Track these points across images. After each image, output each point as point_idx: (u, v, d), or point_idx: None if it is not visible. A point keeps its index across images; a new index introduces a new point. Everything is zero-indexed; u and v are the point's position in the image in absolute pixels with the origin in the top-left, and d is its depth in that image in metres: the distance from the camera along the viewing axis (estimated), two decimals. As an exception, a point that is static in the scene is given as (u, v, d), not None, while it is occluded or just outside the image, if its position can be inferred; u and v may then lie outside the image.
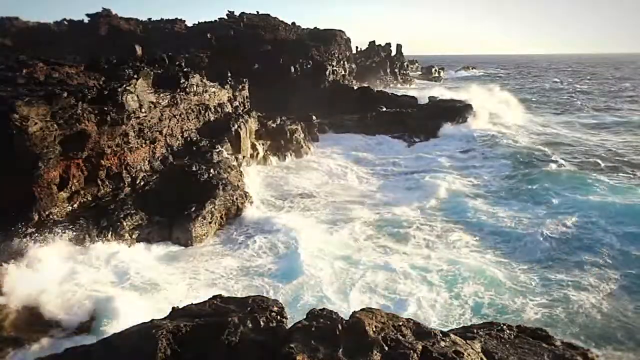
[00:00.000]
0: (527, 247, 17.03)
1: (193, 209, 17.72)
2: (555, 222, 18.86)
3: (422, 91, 62.48)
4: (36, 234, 14.26)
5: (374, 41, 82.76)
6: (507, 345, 6.31)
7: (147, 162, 19.66)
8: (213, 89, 28.11)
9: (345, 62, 59.72)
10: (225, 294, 7.33)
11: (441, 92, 58.57)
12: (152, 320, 6.16)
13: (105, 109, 17.31)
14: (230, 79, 32.97)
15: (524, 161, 29.41)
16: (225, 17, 55.96)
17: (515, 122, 44.47)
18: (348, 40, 63.49)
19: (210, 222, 18.06)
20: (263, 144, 30.10)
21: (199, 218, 17.55)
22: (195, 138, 24.13)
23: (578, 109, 57.90)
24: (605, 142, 36.62)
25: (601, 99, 68.92)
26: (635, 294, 13.77)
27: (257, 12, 58.56)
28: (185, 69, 26.22)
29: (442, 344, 5.58)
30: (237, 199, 19.98)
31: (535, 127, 43.78)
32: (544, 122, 47.29)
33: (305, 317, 6.06)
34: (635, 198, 21.30)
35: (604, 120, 48.14)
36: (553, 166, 27.42)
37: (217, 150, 23.27)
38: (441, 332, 5.93)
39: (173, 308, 6.77)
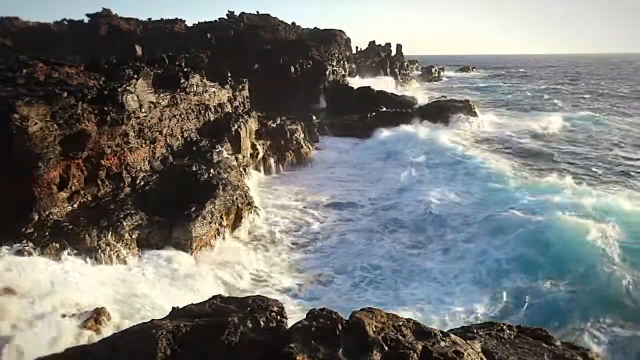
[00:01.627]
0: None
1: (193, 209, 17.70)
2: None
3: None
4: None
5: (374, 41, 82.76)
6: (507, 345, 6.31)
7: (147, 162, 19.66)
8: (213, 89, 28.11)
9: (345, 62, 59.78)
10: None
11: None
12: (152, 320, 6.16)
13: (105, 109, 17.30)
14: (230, 79, 32.99)
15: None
16: (225, 17, 56.04)
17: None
18: (348, 40, 63.54)
19: (210, 222, 18.05)
20: (263, 144, 30.11)
21: (199, 218, 17.54)
22: (195, 138, 24.13)
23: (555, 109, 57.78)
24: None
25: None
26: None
27: (257, 12, 58.69)
28: (185, 69, 26.22)
29: (442, 344, 5.58)
30: (237, 199, 19.98)
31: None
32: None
33: (305, 317, 6.06)
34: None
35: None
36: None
37: (217, 150, 23.28)
38: (441, 332, 5.93)
39: (173, 308, 6.77)
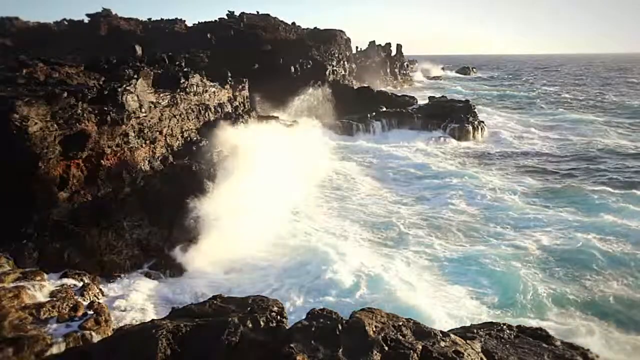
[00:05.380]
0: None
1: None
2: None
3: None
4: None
5: (374, 41, 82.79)
6: (507, 345, 6.31)
7: (147, 162, 19.64)
8: (213, 89, 28.10)
9: (345, 62, 59.73)
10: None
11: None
12: (153, 320, 6.16)
13: (105, 109, 17.30)
14: (230, 79, 32.96)
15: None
16: (225, 17, 55.97)
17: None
18: (348, 40, 63.50)
19: (210, 222, 18.03)
20: (263, 144, 30.08)
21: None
22: (195, 138, 24.12)
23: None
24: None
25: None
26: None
27: (257, 12, 58.63)
28: (185, 69, 26.22)
29: (442, 344, 5.58)
30: (237, 199, 19.97)
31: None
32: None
33: (305, 317, 6.06)
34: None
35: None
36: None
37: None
38: (441, 332, 5.94)
39: (173, 308, 6.78)
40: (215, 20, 55.35)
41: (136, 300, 13.92)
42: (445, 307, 13.56)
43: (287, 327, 6.04)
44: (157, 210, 17.65)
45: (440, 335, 5.79)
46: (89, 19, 52.63)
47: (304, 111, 42.04)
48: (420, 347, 5.40)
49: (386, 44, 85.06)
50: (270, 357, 5.35)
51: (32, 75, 18.73)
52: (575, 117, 51.36)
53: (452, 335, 5.89)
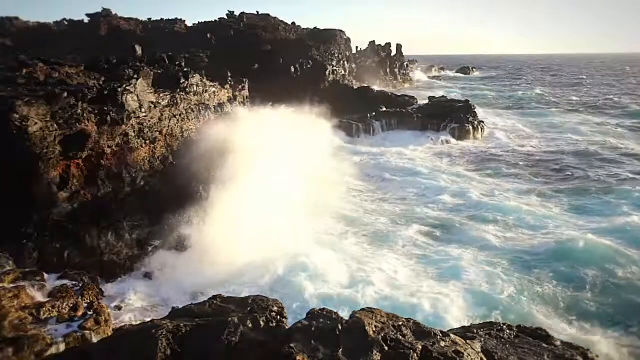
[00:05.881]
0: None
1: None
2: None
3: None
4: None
5: (374, 41, 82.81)
6: (507, 345, 6.31)
7: (147, 162, 19.65)
8: (213, 89, 28.08)
9: (345, 62, 59.74)
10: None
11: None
12: (153, 320, 6.17)
13: (105, 109, 17.30)
14: (230, 79, 32.94)
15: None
16: (225, 17, 55.98)
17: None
18: (348, 40, 63.53)
19: (210, 222, 18.04)
20: (263, 144, 30.07)
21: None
22: (195, 138, 24.08)
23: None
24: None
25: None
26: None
27: (257, 12, 58.66)
28: (185, 69, 26.21)
29: (442, 344, 5.59)
30: (237, 199, 19.96)
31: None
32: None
33: (305, 316, 6.06)
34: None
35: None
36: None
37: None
38: (441, 332, 5.94)
39: (173, 308, 6.78)
40: (215, 20, 55.37)
41: (136, 300, 13.93)
42: (445, 307, 13.56)
43: (287, 327, 6.04)
44: (157, 210, 17.66)
45: (440, 335, 5.79)
46: (89, 19, 52.69)
47: None
48: (420, 347, 5.40)
49: (386, 44, 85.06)
50: (270, 357, 5.35)
51: (32, 75, 18.72)
52: (575, 117, 51.57)
53: (452, 335, 5.89)
